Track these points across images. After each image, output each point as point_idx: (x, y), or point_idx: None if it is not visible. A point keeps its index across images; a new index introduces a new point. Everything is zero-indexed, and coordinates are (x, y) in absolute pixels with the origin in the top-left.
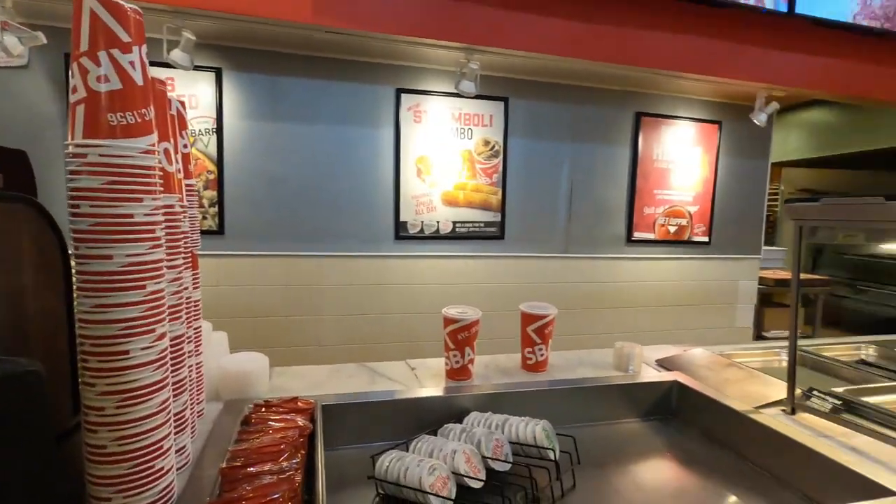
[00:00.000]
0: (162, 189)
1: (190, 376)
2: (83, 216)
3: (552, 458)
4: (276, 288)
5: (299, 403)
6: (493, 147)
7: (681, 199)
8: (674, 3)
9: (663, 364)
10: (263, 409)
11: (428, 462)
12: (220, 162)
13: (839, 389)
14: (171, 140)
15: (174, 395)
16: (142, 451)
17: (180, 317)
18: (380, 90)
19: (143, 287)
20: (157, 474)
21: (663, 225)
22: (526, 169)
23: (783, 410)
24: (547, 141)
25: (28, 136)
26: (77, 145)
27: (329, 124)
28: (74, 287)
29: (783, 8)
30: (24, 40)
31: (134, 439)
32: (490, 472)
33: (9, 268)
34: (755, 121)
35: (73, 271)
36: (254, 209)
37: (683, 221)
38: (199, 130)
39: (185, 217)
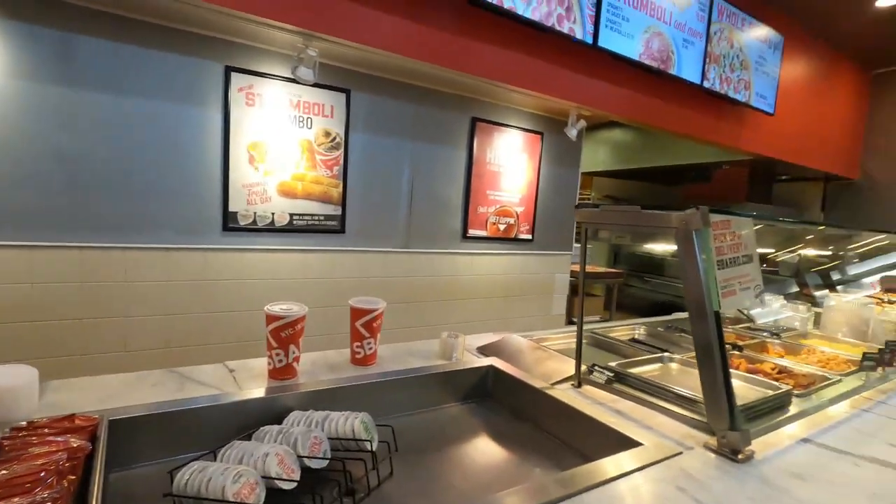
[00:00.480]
0: None
1: None
2: None
3: (369, 449)
4: (68, 286)
5: (77, 421)
6: (335, 139)
7: (509, 200)
8: (505, 21)
9: (483, 351)
10: (24, 433)
11: (234, 469)
12: None
13: (613, 364)
14: None
15: None
16: None
17: None
18: (206, 65)
19: None
20: None
21: (494, 223)
22: (368, 163)
23: (572, 384)
24: (389, 137)
25: None
26: None
27: (142, 98)
28: None
29: (589, 40)
30: None
31: None
32: (308, 470)
33: None
34: (568, 135)
35: None
36: (36, 191)
37: (511, 220)
38: None
39: None
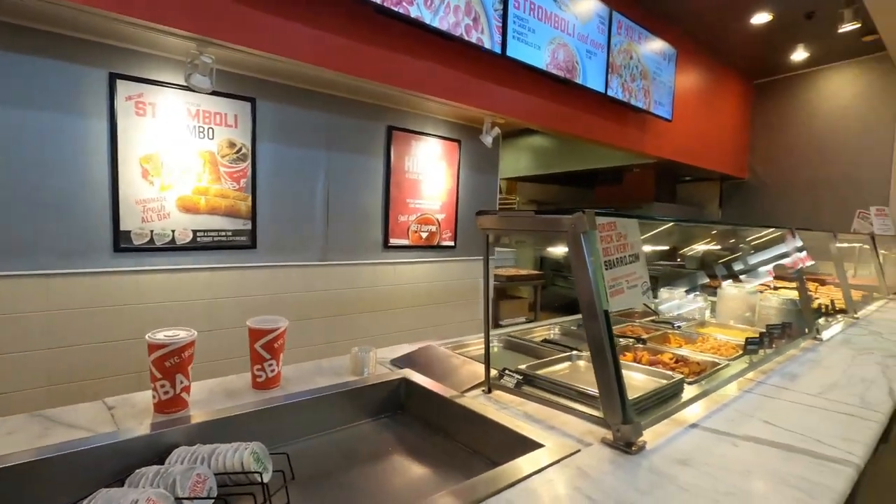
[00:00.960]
0: None
1: None
2: None
3: (260, 481)
4: None
5: None
6: (240, 150)
7: (430, 207)
8: (415, 31)
9: (397, 363)
10: None
11: None
12: None
13: (522, 366)
14: None
15: None
16: None
17: None
18: (88, 72)
19: None
20: None
21: (416, 231)
22: (279, 175)
23: (483, 391)
24: (301, 147)
25: None
26: None
27: (11, 108)
28: None
29: (497, 49)
30: None
31: None
32: None
33: None
34: (483, 142)
35: None
36: None
37: (433, 228)
38: None
39: None
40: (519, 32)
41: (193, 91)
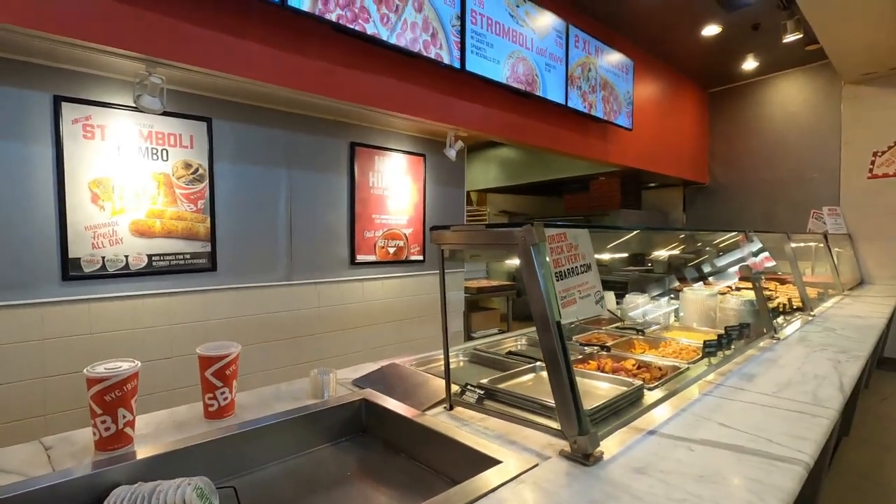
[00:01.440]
0: None
1: None
2: None
3: None
4: None
5: None
6: (197, 170)
7: (397, 222)
8: (373, 48)
9: (358, 383)
10: None
11: None
12: None
13: (484, 381)
14: None
15: None
16: None
17: None
18: (29, 96)
19: None
20: None
21: (383, 247)
22: (239, 195)
23: (444, 408)
24: (261, 166)
25: None
26: None
27: None
28: None
29: (457, 64)
30: None
31: None
32: None
33: None
34: (447, 155)
35: None
36: None
37: (401, 243)
38: None
39: None
40: (477, 47)
41: (144, 112)
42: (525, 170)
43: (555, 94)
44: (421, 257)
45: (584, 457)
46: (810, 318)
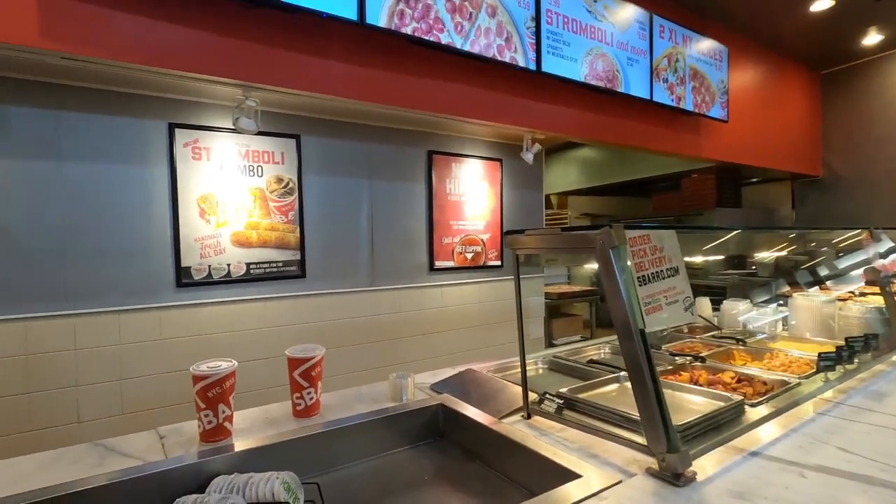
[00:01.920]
0: None
1: None
2: None
3: None
4: (13, 360)
5: None
6: (287, 184)
7: (474, 228)
8: (448, 57)
9: (436, 388)
10: None
11: None
12: None
13: (564, 390)
14: None
15: None
16: None
17: None
18: (148, 125)
19: None
20: None
21: (461, 253)
22: (324, 206)
23: (522, 416)
24: (344, 178)
25: None
26: None
27: (84, 162)
28: None
29: (532, 67)
30: None
31: None
32: None
33: None
34: (525, 159)
35: None
36: None
37: (478, 248)
38: None
39: None
40: (553, 47)
41: (241, 133)
42: (608, 170)
43: (638, 89)
44: (499, 262)
45: (673, 476)
46: None
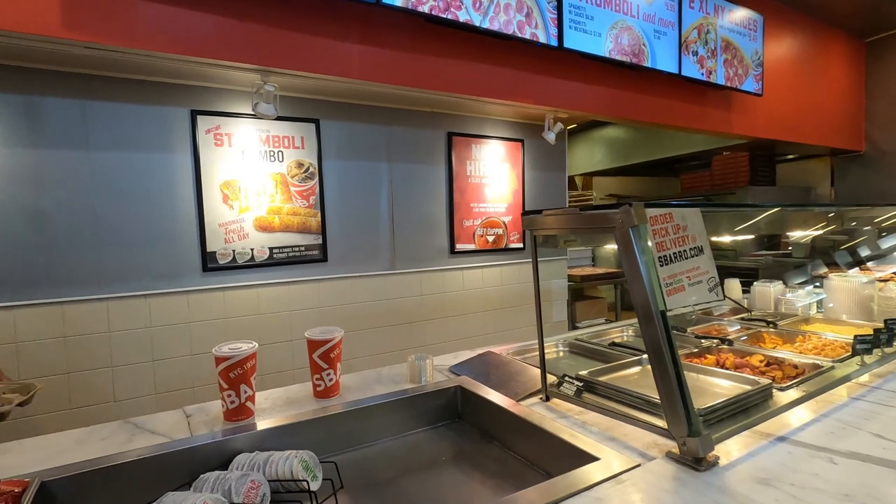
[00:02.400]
0: None
1: None
2: None
3: (307, 489)
4: (52, 342)
5: (2, 486)
6: (308, 169)
7: (495, 210)
8: (466, 35)
9: (455, 370)
10: None
11: None
12: None
13: (584, 372)
14: None
15: None
16: None
17: None
18: (171, 112)
19: None
20: None
21: (482, 235)
22: (345, 189)
23: (540, 398)
24: (364, 161)
25: None
26: None
27: (111, 150)
28: None
29: (554, 43)
30: None
31: None
32: None
33: None
34: (546, 139)
35: None
36: (11, 252)
37: (500, 231)
38: None
39: None
40: (576, 21)
41: (261, 118)
42: (634, 149)
43: (665, 64)
44: (521, 245)
45: (694, 460)
46: None
